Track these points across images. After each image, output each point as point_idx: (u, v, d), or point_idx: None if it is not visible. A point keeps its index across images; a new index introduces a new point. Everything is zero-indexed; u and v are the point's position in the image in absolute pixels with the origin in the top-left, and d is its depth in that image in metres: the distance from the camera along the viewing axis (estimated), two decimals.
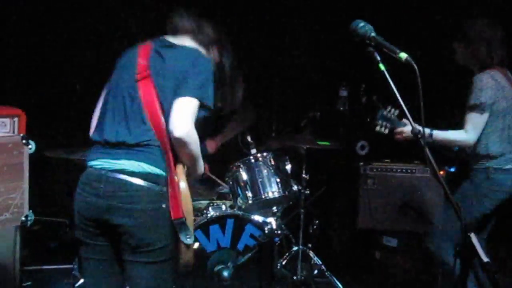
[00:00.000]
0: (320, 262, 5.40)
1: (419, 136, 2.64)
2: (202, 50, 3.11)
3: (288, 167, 4.89)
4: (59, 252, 5.65)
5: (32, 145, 3.26)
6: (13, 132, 4.66)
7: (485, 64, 4.13)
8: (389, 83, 2.68)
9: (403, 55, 2.64)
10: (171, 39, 3.10)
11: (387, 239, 5.77)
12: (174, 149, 2.84)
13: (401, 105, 2.74)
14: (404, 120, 4.11)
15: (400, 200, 5.68)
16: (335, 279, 5.28)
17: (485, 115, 4.04)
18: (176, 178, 2.86)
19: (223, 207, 4.66)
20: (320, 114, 5.59)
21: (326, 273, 5.35)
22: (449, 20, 5.68)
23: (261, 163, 4.78)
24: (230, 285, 4.47)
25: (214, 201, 4.77)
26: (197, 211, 4.67)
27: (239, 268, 4.51)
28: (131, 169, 2.80)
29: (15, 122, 4.71)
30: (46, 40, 5.89)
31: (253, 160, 4.78)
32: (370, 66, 2.75)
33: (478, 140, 4.09)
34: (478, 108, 4.03)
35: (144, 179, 2.80)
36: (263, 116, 6.00)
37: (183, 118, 2.77)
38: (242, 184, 4.72)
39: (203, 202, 4.73)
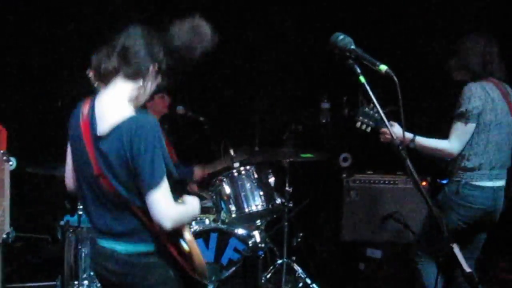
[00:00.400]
0: (305, 275, 5.39)
1: (400, 148, 2.65)
2: (138, 85, 2.82)
3: (271, 180, 4.90)
4: (42, 269, 5.62)
5: (13, 162, 3.23)
6: None
7: (479, 76, 4.06)
8: (369, 94, 2.71)
9: (383, 67, 2.66)
10: (103, 107, 2.79)
11: (371, 250, 5.77)
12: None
13: (381, 116, 2.77)
14: (392, 122, 3.91)
15: (383, 211, 5.71)
16: None
17: (470, 125, 3.94)
18: (175, 250, 2.85)
19: (207, 221, 4.66)
20: (303, 127, 5.61)
21: (310, 286, 5.34)
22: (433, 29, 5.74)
23: (244, 176, 4.78)
24: None
25: (197, 215, 4.77)
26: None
27: (223, 283, 4.51)
28: (133, 251, 2.79)
29: None
30: (27, 57, 5.88)
31: (236, 174, 4.78)
32: (352, 78, 2.77)
33: (462, 151, 4.01)
34: (463, 116, 3.93)
35: (149, 256, 2.81)
36: (246, 130, 6.01)
37: (164, 211, 2.68)
38: (226, 197, 4.72)
39: None
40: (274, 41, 6.72)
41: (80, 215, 4.48)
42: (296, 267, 5.43)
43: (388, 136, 3.97)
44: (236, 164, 4.88)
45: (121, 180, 2.70)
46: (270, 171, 4.94)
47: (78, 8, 6.07)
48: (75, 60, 6.01)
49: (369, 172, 5.88)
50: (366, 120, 4.02)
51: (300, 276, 5.39)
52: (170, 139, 5.42)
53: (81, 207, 4.48)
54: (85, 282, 4.55)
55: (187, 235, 2.85)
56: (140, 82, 2.81)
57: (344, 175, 5.92)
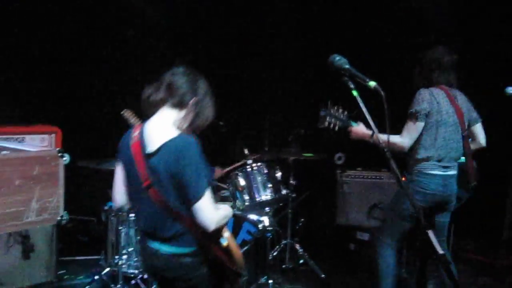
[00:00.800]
0: (305, 253, 5.41)
1: (386, 151, 2.65)
2: (181, 113, 2.83)
3: (279, 174, 4.89)
4: (89, 245, 5.66)
5: (66, 157, 3.26)
6: (51, 146, 4.67)
7: (431, 83, 4.03)
8: (360, 105, 2.70)
9: (372, 83, 2.66)
10: (152, 130, 2.81)
11: (360, 233, 5.76)
12: (202, 229, 2.77)
13: (370, 123, 2.76)
14: (359, 122, 4.00)
15: (371, 201, 5.70)
16: (316, 266, 5.31)
17: (419, 124, 3.89)
18: (217, 247, 2.89)
19: None
20: (304, 131, 5.61)
21: (309, 262, 5.36)
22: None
23: (256, 171, 4.78)
24: None
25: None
26: None
27: None
28: (177, 251, 2.80)
29: (52, 138, 4.72)
30: (79, 69, 5.93)
31: (249, 169, 4.78)
32: (345, 91, 2.77)
33: (415, 146, 3.96)
34: (413, 116, 3.90)
35: (188, 257, 2.80)
36: (257, 133, 6.02)
37: (208, 217, 2.70)
38: (240, 188, 4.72)
39: None
40: (281, 59, 6.74)
41: None
42: (298, 246, 5.44)
43: (355, 135, 3.99)
44: (249, 161, 4.89)
45: (167, 190, 2.71)
46: (277, 167, 4.93)
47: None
48: (119, 72, 6.05)
49: (359, 168, 5.88)
50: (333, 120, 3.98)
51: (301, 254, 5.42)
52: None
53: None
54: (124, 256, 4.55)
55: (226, 233, 2.93)
56: (184, 111, 2.83)
57: (339, 171, 5.92)
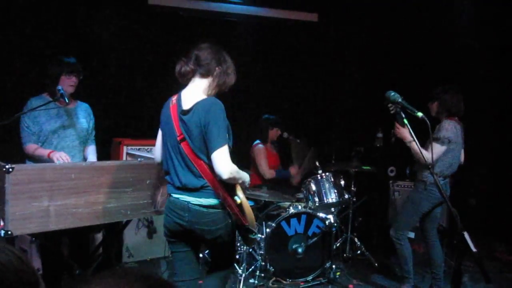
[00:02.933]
0: (362, 245, 5.33)
1: (430, 167, 2.62)
2: (209, 80, 2.71)
3: (342, 182, 4.88)
4: None
5: None
6: None
7: (449, 115, 4.05)
8: (410, 131, 2.69)
9: (420, 114, 2.66)
10: (186, 95, 2.69)
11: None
12: (223, 184, 2.60)
13: (416, 143, 2.73)
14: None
15: None
16: (371, 257, 5.22)
17: (443, 147, 3.93)
18: (232, 201, 2.65)
19: (299, 207, 4.69)
20: (364, 149, 5.57)
21: (365, 253, 5.29)
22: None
23: (324, 179, 4.79)
24: (302, 258, 4.50)
25: (293, 203, 4.81)
26: (282, 209, 4.73)
27: (308, 247, 4.53)
28: (204, 203, 2.62)
29: None
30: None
31: (319, 177, 4.80)
32: (398, 119, 2.77)
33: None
34: (440, 140, 3.93)
35: (213, 208, 2.64)
36: (326, 150, 6.01)
37: (224, 164, 2.50)
38: (312, 192, 4.75)
39: (286, 203, 4.79)
40: (346, 96, 6.70)
41: None
42: (356, 240, 5.38)
43: (398, 132, 3.97)
44: (320, 171, 4.90)
45: (197, 142, 2.57)
46: (341, 176, 4.92)
47: None
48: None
49: (407, 180, 5.75)
50: (398, 112, 3.89)
51: (359, 246, 5.35)
52: (276, 150, 5.46)
53: None
54: None
55: (240, 193, 2.67)
56: (210, 79, 2.71)
57: (391, 181, 5.81)
